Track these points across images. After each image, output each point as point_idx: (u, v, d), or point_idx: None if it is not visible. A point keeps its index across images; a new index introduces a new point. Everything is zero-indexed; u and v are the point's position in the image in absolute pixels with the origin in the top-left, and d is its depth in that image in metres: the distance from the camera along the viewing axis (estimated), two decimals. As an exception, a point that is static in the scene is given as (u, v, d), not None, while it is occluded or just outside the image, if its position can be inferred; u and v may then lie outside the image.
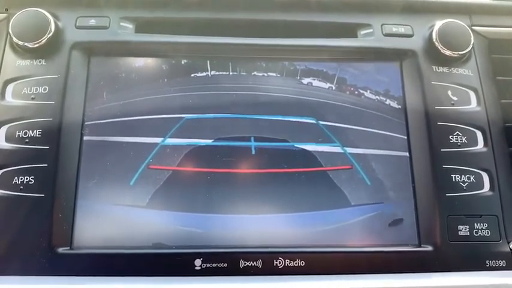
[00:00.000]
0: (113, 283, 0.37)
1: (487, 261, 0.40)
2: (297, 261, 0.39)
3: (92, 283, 0.37)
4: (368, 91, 0.44)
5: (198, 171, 0.41)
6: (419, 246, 0.40)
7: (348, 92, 0.44)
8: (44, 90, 0.41)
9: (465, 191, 0.41)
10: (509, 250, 0.40)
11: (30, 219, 0.38)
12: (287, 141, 0.42)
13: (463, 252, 0.40)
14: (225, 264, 0.38)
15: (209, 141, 0.42)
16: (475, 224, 0.40)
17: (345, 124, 0.43)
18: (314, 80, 0.44)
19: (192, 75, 0.44)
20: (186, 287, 0.37)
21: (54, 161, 0.39)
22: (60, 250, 0.38)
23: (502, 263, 0.40)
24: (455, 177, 0.41)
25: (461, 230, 0.40)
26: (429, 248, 0.40)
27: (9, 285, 0.37)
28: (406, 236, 0.41)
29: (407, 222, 0.41)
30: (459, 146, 0.42)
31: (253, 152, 0.42)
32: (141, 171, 0.41)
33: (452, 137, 0.42)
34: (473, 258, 0.40)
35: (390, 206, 0.41)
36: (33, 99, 0.41)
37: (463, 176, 0.41)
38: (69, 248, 0.38)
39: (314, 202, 0.41)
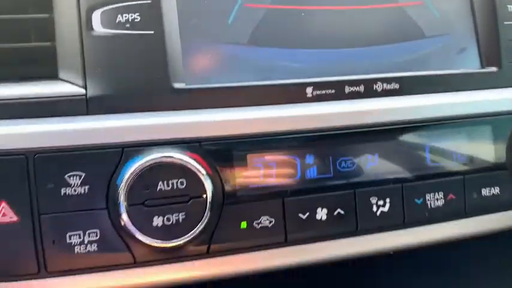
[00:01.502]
0: (228, 113, 0.39)
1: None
2: (392, 84, 0.43)
3: (208, 114, 0.38)
4: None
5: (292, 9, 0.42)
6: (484, 68, 0.46)
7: None
8: None
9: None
10: None
11: (144, 56, 0.37)
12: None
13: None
14: (333, 91, 0.41)
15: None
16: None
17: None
18: None
19: None
20: (301, 111, 0.40)
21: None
22: (176, 85, 0.38)
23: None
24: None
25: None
26: (493, 69, 0.46)
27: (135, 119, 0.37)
28: (472, 62, 0.47)
29: (472, 50, 0.47)
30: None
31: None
32: (237, 8, 0.41)
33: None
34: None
35: (456, 36, 0.47)
36: None
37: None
38: (184, 83, 0.38)
39: (395, 34, 0.45)
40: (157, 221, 0.35)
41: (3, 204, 0.34)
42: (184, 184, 0.35)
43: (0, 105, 0.35)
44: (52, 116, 0.36)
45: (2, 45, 0.38)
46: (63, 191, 0.35)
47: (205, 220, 0.36)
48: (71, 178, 0.35)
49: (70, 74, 0.37)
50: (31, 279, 0.35)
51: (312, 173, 0.40)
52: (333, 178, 0.40)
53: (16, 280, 0.35)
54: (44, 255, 0.35)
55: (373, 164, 0.41)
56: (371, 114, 0.41)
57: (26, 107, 0.35)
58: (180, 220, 0.35)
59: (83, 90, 0.36)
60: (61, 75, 0.37)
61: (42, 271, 0.35)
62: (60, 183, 0.35)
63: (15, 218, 0.34)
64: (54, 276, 0.35)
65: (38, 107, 0.36)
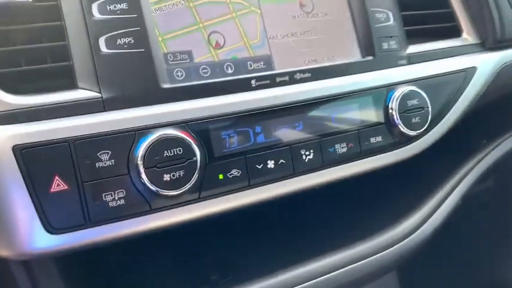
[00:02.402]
0: (203, 101, 0.56)
1: None
2: (306, 74, 0.63)
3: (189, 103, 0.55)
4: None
5: (234, 26, 0.61)
6: (364, 57, 0.68)
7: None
8: None
9: None
10: None
11: (139, 66, 0.53)
12: None
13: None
14: (268, 81, 0.60)
15: None
16: None
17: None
18: None
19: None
20: (249, 96, 0.58)
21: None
22: (164, 86, 0.54)
23: None
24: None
25: None
26: (370, 58, 0.68)
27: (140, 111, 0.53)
28: (355, 54, 0.68)
29: (355, 46, 0.68)
30: None
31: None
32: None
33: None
34: None
35: (343, 36, 0.68)
36: None
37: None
38: (169, 83, 0.55)
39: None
40: (166, 177, 0.52)
41: (57, 177, 0.48)
42: (181, 151, 0.52)
43: (41, 109, 0.49)
44: (80, 114, 0.51)
45: (30, 67, 0.51)
46: (97, 164, 0.50)
47: (196, 175, 0.53)
48: (102, 155, 0.50)
49: (87, 84, 0.52)
50: (79, 229, 0.50)
51: (261, 138, 0.59)
52: (275, 140, 0.59)
53: (68, 231, 0.49)
54: (88, 211, 0.50)
55: (300, 128, 0.61)
56: (296, 94, 0.61)
57: (60, 110, 0.50)
58: (181, 175, 0.52)
59: (99, 94, 0.52)
60: (80, 85, 0.52)
61: (87, 222, 0.50)
62: (95, 159, 0.50)
63: (65, 187, 0.49)
64: (96, 226, 0.50)
65: (68, 109, 0.50)
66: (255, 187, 0.58)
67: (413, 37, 0.74)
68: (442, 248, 0.93)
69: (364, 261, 0.73)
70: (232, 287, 0.63)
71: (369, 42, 0.68)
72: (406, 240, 0.76)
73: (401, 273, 0.99)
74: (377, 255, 0.74)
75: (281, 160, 0.59)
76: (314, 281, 0.69)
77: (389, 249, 0.75)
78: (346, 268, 0.72)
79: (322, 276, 0.70)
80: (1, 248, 0.50)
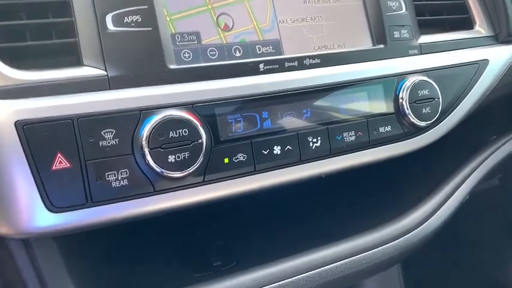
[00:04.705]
0: (209, 83, 0.55)
1: None
2: (315, 60, 0.61)
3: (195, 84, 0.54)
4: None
5: None
6: (375, 45, 0.67)
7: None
8: None
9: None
10: None
11: (146, 46, 0.52)
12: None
13: None
14: (277, 65, 0.59)
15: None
16: None
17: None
18: None
19: None
20: (257, 80, 0.57)
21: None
22: (171, 66, 0.53)
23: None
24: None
25: None
26: (381, 46, 0.67)
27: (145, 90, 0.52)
28: (367, 41, 0.67)
29: (367, 33, 0.67)
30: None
31: None
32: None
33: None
34: None
35: (355, 24, 0.67)
36: None
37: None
38: (176, 64, 0.54)
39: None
40: (171, 158, 0.51)
41: (59, 154, 0.47)
42: (187, 132, 0.51)
43: (45, 85, 0.48)
44: (85, 92, 0.50)
45: (34, 42, 0.50)
46: (100, 143, 0.49)
47: (201, 157, 0.52)
48: (106, 134, 0.49)
49: (93, 61, 0.51)
50: (81, 209, 0.49)
51: (268, 123, 0.57)
52: (282, 126, 0.58)
53: (70, 210, 0.48)
54: (90, 190, 0.49)
55: (307, 114, 0.60)
56: (304, 80, 0.60)
57: (64, 87, 0.49)
58: (186, 157, 0.51)
59: (104, 72, 0.50)
60: (85, 62, 0.51)
61: (89, 201, 0.49)
62: (98, 138, 0.49)
63: (68, 165, 0.48)
64: (97, 205, 0.49)
65: (73, 86, 0.49)
66: (261, 173, 0.57)
67: (425, 27, 0.72)
68: (447, 244, 0.92)
69: (368, 252, 0.72)
70: (234, 274, 0.62)
71: (380, 30, 0.67)
72: (411, 233, 0.75)
73: (405, 267, 0.98)
74: (380, 247, 0.73)
75: (288, 146, 0.58)
76: (317, 270, 0.68)
77: (393, 242, 0.73)
78: (349, 259, 0.70)
79: (324, 266, 0.69)
80: (0, 226, 0.49)
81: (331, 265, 0.69)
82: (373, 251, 0.72)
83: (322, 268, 0.69)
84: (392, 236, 0.73)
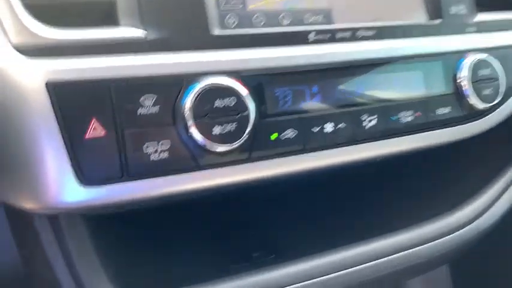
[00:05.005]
0: (257, 50, 0.50)
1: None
2: (369, 32, 0.56)
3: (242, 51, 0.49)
4: None
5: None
6: (432, 20, 0.61)
7: None
8: None
9: None
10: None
11: (189, 8, 0.47)
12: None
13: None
14: (328, 35, 0.54)
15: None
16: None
17: None
18: None
19: None
20: (305, 51, 0.52)
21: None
22: (216, 32, 0.48)
23: None
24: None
25: None
26: (438, 21, 0.61)
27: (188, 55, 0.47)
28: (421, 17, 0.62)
29: (421, 9, 0.62)
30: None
31: None
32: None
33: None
34: None
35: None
36: None
37: None
38: (220, 30, 0.49)
39: None
40: (216, 130, 0.45)
41: (94, 121, 0.42)
42: (234, 102, 0.46)
43: (80, 45, 0.43)
44: (123, 53, 0.45)
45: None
46: (139, 111, 0.44)
47: (248, 131, 0.47)
48: (145, 101, 0.44)
49: (131, 22, 0.46)
50: (115, 183, 0.44)
51: (318, 98, 0.52)
52: (334, 102, 0.53)
53: (103, 184, 0.43)
54: (126, 162, 0.43)
55: (361, 90, 0.54)
56: (358, 53, 0.54)
57: (101, 47, 0.44)
58: (232, 130, 0.46)
59: (144, 33, 0.46)
60: (123, 23, 0.46)
61: (125, 175, 0.44)
62: (137, 105, 0.44)
63: (103, 133, 0.43)
64: (134, 180, 0.44)
65: (110, 47, 0.44)
66: (311, 152, 0.51)
67: (481, 6, 0.67)
68: (505, 243, 0.85)
69: (413, 249, 0.66)
70: (276, 266, 0.56)
71: (436, 5, 0.61)
72: (461, 231, 0.69)
73: (454, 269, 0.91)
74: (428, 243, 0.66)
75: (339, 125, 0.53)
76: (359, 267, 0.62)
77: (443, 238, 0.67)
78: (393, 256, 0.64)
79: (367, 262, 0.63)
80: (26, 200, 0.44)
81: (374, 262, 0.63)
82: (419, 247, 0.66)
83: (364, 265, 0.63)
84: (442, 231, 0.67)
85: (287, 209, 0.68)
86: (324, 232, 0.67)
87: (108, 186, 0.43)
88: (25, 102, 0.41)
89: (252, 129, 0.47)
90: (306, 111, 0.51)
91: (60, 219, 0.47)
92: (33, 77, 0.41)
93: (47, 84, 0.41)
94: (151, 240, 0.58)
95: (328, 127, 0.52)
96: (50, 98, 0.41)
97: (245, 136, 0.47)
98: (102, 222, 0.50)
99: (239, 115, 0.46)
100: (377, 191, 0.72)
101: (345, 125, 0.53)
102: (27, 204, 0.44)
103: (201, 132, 0.45)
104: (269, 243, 0.65)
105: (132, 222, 0.57)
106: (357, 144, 0.54)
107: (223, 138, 0.46)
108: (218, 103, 0.46)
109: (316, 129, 0.51)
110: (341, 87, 0.53)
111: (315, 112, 0.51)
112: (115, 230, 0.55)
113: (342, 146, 0.53)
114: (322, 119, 0.52)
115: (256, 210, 0.67)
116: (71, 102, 0.42)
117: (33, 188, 0.43)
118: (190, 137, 0.45)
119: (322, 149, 0.52)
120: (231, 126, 0.46)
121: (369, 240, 0.63)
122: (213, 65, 0.47)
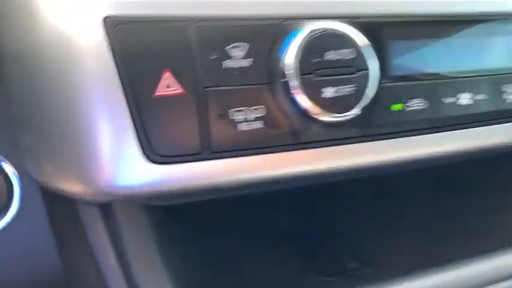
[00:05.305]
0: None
1: None
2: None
3: None
4: None
5: None
6: None
7: None
8: None
9: None
10: None
11: None
12: None
13: None
14: None
15: None
16: None
17: None
18: None
19: None
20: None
21: None
22: None
23: None
24: None
25: None
26: None
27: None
28: None
29: None
30: None
31: None
32: None
33: None
34: None
35: None
36: None
37: None
38: None
39: None
40: (327, 92, 0.33)
41: (168, 74, 0.31)
42: (350, 56, 0.34)
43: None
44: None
45: None
46: (225, 64, 0.32)
47: (367, 96, 0.34)
48: (233, 50, 0.32)
49: None
50: (194, 161, 0.32)
51: (454, 60, 0.39)
52: (472, 67, 0.40)
53: (178, 162, 0.32)
54: (209, 133, 0.32)
55: (503, 53, 0.41)
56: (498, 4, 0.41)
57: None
58: (349, 93, 0.34)
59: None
60: None
61: (206, 151, 0.32)
62: (223, 55, 0.32)
63: (180, 90, 0.31)
64: (218, 158, 0.32)
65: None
66: (442, 130, 0.39)
67: None
68: None
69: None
70: (378, 284, 0.43)
71: None
72: None
73: None
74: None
75: (477, 96, 0.40)
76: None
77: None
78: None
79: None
80: (72, 182, 0.33)
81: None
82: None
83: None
84: None
85: (379, 212, 0.55)
86: (421, 241, 0.54)
87: (183, 165, 0.32)
88: (74, 46, 0.30)
89: (372, 94, 0.35)
90: (436, 77, 0.38)
91: (115, 209, 0.36)
92: (85, 11, 0.30)
93: (105, 20, 0.30)
94: (216, 238, 0.45)
95: (465, 98, 0.39)
96: (109, 39, 0.30)
97: (363, 103, 0.34)
98: (165, 215, 0.39)
99: (359, 73, 0.34)
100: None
101: (484, 96, 0.40)
102: (73, 188, 0.33)
103: (307, 93, 0.33)
104: (357, 251, 0.52)
105: (194, 215, 0.45)
106: (498, 123, 0.41)
107: (335, 104, 0.33)
108: (330, 55, 0.33)
109: (448, 101, 0.38)
110: (478, 47, 0.40)
111: (448, 78, 0.39)
112: (177, 226, 0.43)
113: (480, 125, 0.40)
114: (457, 87, 0.39)
115: (341, 209, 0.54)
116: (136, 47, 0.30)
117: (81, 165, 0.31)
118: (293, 99, 0.33)
119: (456, 127, 0.39)
120: (348, 88, 0.34)
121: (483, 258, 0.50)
122: (324, 6, 0.35)
